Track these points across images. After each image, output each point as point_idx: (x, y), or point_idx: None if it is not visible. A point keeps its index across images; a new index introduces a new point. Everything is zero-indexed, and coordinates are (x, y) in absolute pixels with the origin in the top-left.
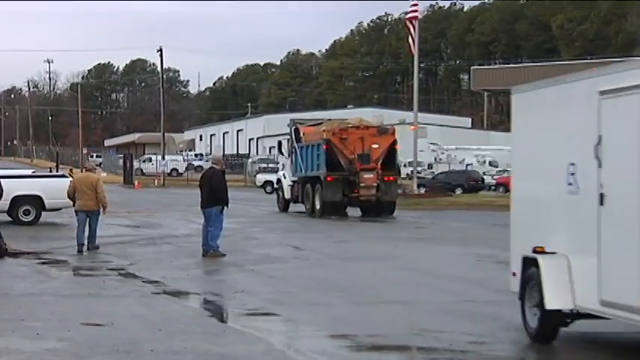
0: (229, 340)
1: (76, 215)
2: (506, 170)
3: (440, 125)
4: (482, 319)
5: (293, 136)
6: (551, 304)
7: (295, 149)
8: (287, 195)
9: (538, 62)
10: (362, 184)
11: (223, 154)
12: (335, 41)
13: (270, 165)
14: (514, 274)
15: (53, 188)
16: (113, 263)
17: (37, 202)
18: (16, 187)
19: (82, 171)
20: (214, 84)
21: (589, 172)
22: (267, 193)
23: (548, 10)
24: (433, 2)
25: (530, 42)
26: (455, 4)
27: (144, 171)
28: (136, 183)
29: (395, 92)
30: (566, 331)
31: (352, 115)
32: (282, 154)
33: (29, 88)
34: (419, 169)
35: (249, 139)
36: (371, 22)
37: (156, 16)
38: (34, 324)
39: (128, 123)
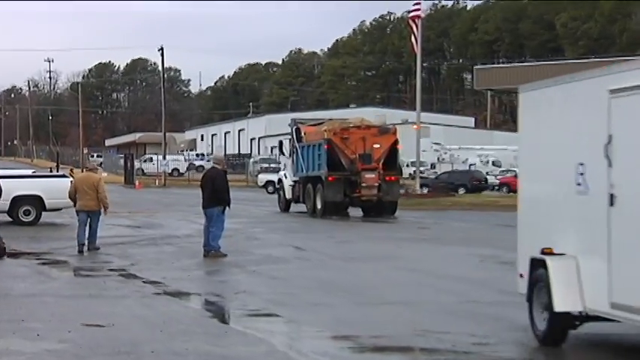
0: (231, 341)
1: (77, 215)
2: (510, 170)
3: (443, 125)
4: (485, 320)
5: (294, 136)
6: (560, 306)
7: (296, 149)
8: (288, 195)
9: (542, 61)
10: (363, 184)
11: (225, 154)
12: (337, 40)
13: (272, 165)
14: (521, 275)
15: (53, 188)
16: (114, 264)
17: (37, 202)
18: (16, 187)
19: (82, 171)
20: (216, 83)
21: (599, 172)
22: (268, 193)
23: (552, 8)
24: (436, 1)
25: (534, 41)
26: (458, 2)
27: (145, 171)
28: (136, 183)
29: (397, 92)
30: (572, 332)
31: (354, 114)
32: (283, 154)
33: (29, 88)
34: (421, 168)
35: (251, 139)
36: (373, 20)
37: (156, 15)
38: (35, 325)
39: (129, 123)
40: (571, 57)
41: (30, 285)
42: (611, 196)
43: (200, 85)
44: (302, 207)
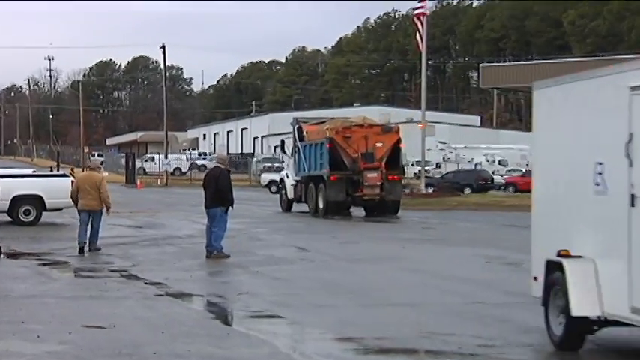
0: (233, 343)
1: (79, 215)
2: (516, 169)
3: (448, 124)
4: (491, 322)
5: (296, 135)
6: (577, 310)
7: (298, 148)
8: (290, 195)
9: (549, 59)
10: (366, 184)
11: (227, 153)
12: (341, 38)
13: (275, 164)
14: (535, 278)
15: (54, 188)
16: (115, 264)
17: (37, 202)
18: (16, 187)
19: (83, 170)
20: (218, 82)
21: (619, 171)
22: (271, 193)
23: (555, 9)
24: None
25: (541, 38)
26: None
27: (146, 170)
28: (138, 183)
29: (402, 90)
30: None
31: (359, 113)
32: (285, 154)
33: (30, 86)
34: (427, 168)
35: (254, 138)
36: (378, 18)
37: (158, 14)
38: (35, 326)
39: (130, 121)
40: (579, 55)
41: (30, 286)
42: (632, 197)
43: (202, 83)
44: (304, 207)
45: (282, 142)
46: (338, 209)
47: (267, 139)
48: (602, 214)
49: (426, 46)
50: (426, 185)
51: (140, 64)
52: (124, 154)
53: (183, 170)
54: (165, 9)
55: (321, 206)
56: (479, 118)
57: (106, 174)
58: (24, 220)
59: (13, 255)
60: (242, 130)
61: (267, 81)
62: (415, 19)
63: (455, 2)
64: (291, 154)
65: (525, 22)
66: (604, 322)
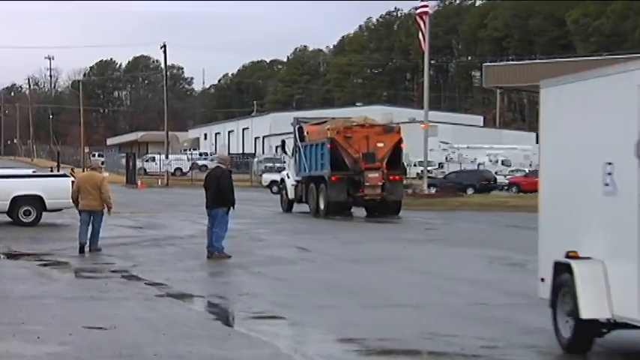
0: (235, 344)
1: (80, 215)
2: (519, 169)
3: (451, 123)
4: (494, 323)
5: (297, 135)
6: (586, 313)
7: (299, 148)
8: (291, 195)
9: (552, 58)
10: (367, 184)
11: (228, 153)
12: (343, 37)
13: (277, 164)
14: (542, 279)
15: (54, 188)
16: (116, 265)
17: (37, 202)
18: (16, 187)
19: (83, 170)
20: (219, 81)
21: (629, 171)
22: (273, 193)
23: (557, 8)
24: None
25: (545, 37)
26: None
27: (147, 170)
28: (138, 183)
29: (405, 90)
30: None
31: (361, 113)
32: (286, 154)
33: (29, 86)
34: (429, 168)
35: (255, 138)
36: (380, 17)
37: (159, 13)
38: (35, 327)
39: (131, 121)
40: (582, 54)
41: (30, 287)
42: None
43: (203, 83)
44: (305, 207)
45: (283, 142)
46: (339, 209)
47: (269, 139)
48: (612, 214)
49: (429, 45)
50: (429, 185)
51: (141, 63)
52: (124, 154)
53: (184, 170)
54: (166, 9)
55: (322, 206)
56: (482, 117)
57: (106, 174)
58: (24, 220)
59: (13, 256)
60: (243, 129)
61: (268, 80)
62: (418, 18)
63: (458, 1)
64: (292, 154)
65: (529, 21)
66: (613, 324)
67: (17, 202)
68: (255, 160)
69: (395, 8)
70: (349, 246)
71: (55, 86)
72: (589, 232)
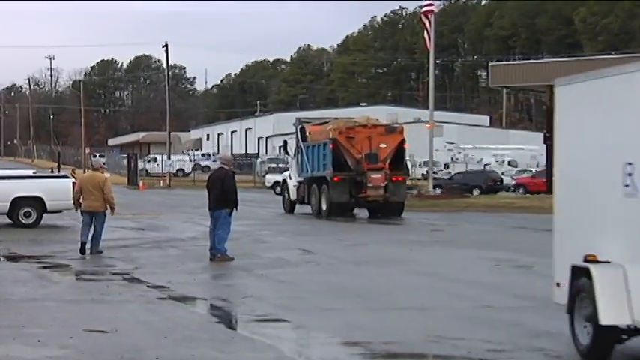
0: (238, 348)
1: (82, 216)
2: (526, 170)
3: (457, 124)
4: (501, 326)
5: (299, 136)
6: (605, 319)
7: (301, 149)
8: (293, 196)
9: (560, 58)
10: (369, 185)
11: (231, 154)
12: (347, 36)
13: (280, 165)
14: (558, 284)
15: (55, 189)
16: (117, 267)
17: (38, 203)
18: (16, 189)
19: (84, 171)
20: (222, 81)
21: None
22: (276, 194)
23: (570, 4)
24: None
25: (552, 36)
26: None
27: (149, 171)
28: (140, 184)
29: (410, 89)
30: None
31: (365, 113)
32: (288, 154)
33: (30, 86)
34: (435, 169)
35: (258, 139)
36: (385, 16)
37: (160, 13)
38: (36, 330)
39: (132, 122)
40: (590, 53)
41: (31, 289)
42: None
43: (206, 82)
44: (307, 208)
45: (285, 142)
46: (341, 211)
47: (272, 139)
48: (633, 216)
49: (434, 44)
50: (434, 186)
51: (142, 63)
52: (126, 155)
53: (186, 171)
54: (167, 9)
55: (324, 207)
56: (488, 117)
57: (107, 175)
58: (24, 222)
59: (13, 258)
60: (246, 130)
61: (271, 80)
62: (423, 16)
63: (463, 0)
64: (294, 155)
65: (535, 20)
66: (634, 330)
67: (17, 203)
68: (258, 160)
69: (400, 7)
70: (353, 248)
71: (55, 86)
72: (608, 235)
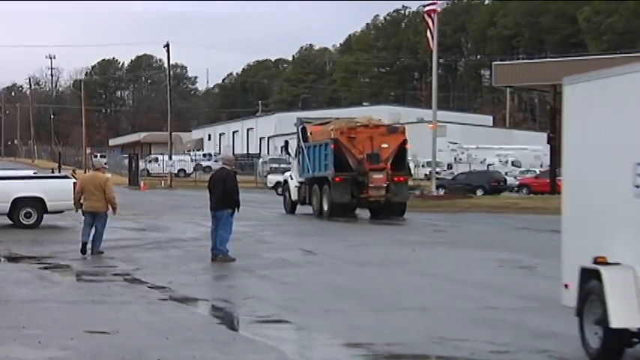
0: (239, 349)
1: (83, 216)
2: (530, 170)
3: (460, 123)
4: (504, 327)
5: (300, 136)
6: (616, 322)
7: (302, 149)
8: (294, 196)
9: (564, 57)
10: (371, 185)
11: (233, 154)
12: (350, 36)
13: (282, 165)
14: (566, 286)
15: (55, 190)
16: (118, 268)
17: (38, 204)
18: (16, 189)
19: (85, 172)
20: (223, 81)
21: None
22: (278, 194)
23: (573, 3)
24: None
25: (556, 36)
26: None
27: (150, 172)
28: (141, 184)
29: (413, 89)
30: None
31: (368, 113)
32: (289, 154)
33: (30, 86)
34: (438, 169)
35: (260, 139)
36: (388, 15)
37: (160, 13)
38: (36, 332)
39: (133, 121)
40: (594, 52)
41: (31, 290)
42: None
43: (207, 82)
44: (308, 209)
45: (286, 142)
46: (343, 211)
47: (274, 139)
48: None
49: (437, 43)
50: (437, 187)
51: (143, 62)
52: (127, 155)
53: (187, 171)
54: (168, 9)
55: (325, 208)
56: (491, 117)
57: (109, 175)
58: (25, 222)
59: (13, 259)
60: (248, 130)
61: (273, 80)
62: (426, 16)
63: None
64: (295, 155)
65: (539, 19)
66: None
67: (18, 203)
68: (260, 161)
69: (403, 6)
70: (355, 248)
71: (56, 86)
72: (618, 237)
